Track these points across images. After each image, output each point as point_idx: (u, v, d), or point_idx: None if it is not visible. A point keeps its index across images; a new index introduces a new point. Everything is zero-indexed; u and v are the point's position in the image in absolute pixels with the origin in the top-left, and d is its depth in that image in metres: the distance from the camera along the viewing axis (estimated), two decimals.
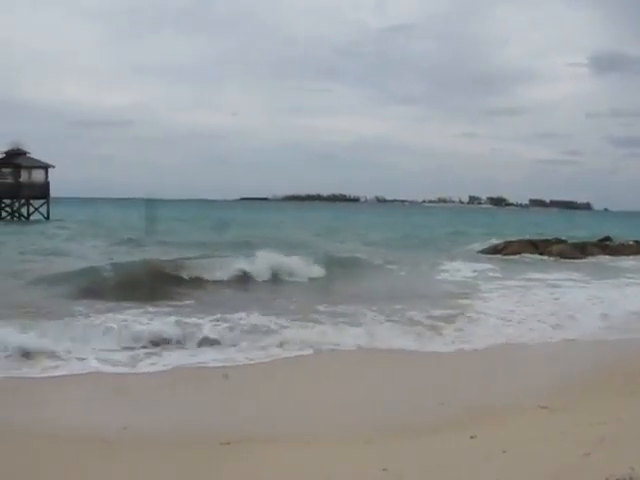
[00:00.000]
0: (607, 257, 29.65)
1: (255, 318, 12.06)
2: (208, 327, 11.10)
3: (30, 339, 9.69)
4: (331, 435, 6.52)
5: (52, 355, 9.36)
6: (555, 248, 30.25)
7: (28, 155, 49.58)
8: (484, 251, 31.05)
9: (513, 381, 9.03)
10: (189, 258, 20.03)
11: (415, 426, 6.73)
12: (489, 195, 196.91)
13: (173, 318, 11.79)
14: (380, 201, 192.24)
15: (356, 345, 10.72)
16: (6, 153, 48.65)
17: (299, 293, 16.67)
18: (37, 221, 47.87)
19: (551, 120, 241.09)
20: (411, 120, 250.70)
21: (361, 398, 8.04)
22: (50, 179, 50.25)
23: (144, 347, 10.07)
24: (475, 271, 22.62)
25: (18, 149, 49.03)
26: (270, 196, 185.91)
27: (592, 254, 29.98)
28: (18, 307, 12.69)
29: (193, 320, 11.73)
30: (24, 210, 49.73)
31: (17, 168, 48.46)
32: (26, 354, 9.26)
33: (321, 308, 13.76)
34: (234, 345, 10.41)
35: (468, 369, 9.71)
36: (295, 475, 5.49)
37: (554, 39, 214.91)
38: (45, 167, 49.89)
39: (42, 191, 49.84)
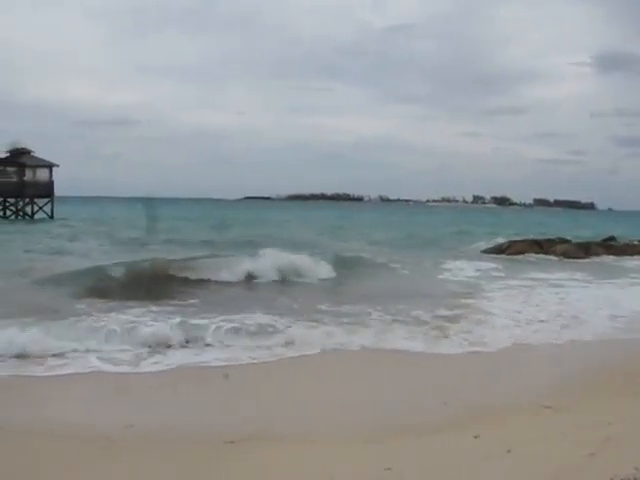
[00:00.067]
0: (611, 257, 29.52)
1: (260, 317, 12.05)
2: (213, 327, 11.04)
3: (34, 338, 9.68)
4: (335, 434, 6.52)
5: (56, 354, 9.37)
6: (559, 248, 30.20)
7: (32, 154, 49.74)
8: (488, 251, 30.99)
9: (517, 381, 9.01)
10: (195, 258, 19.99)
11: (419, 426, 6.72)
12: (493, 195, 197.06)
13: (178, 317, 11.78)
14: (384, 200, 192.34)
15: (361, 345, 10.69)
16: (10, 152, 48.77)
17: (305, 292, 16.63)
18: (41, 220, 47.96)
19: (554, 120, 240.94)
20: (414, 119, 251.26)
21: (365, 398, 8.03)
22: (54, 178, 50.47)
23: (148, 346, 10.04)
24: (480, 270, 22.60)
25: (22, 148, 49.16)
26: (274, 195, 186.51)
27: (596, 254, 29.88)
28: (23, 306, 12.67)
29: (198, 320, 11.73)
30: (28, 209, 49.87)
31: (21, 167, 48.62)
32: (30, 353, 9.26)
33: (326, 308, 13.75)
34: (239, 345, 10.38)
35: (471, 369, 9.69)
36: (299, 474, 5.49)
37: (557, 38, 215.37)
38: (49, 166, 50.04)
39: (46, 190, 49.99)
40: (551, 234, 35.17)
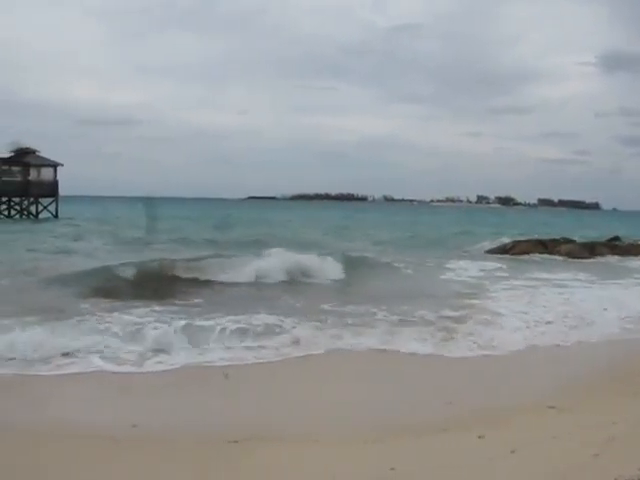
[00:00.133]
0: (616, 257, 29.43)
1: (266, 318, 12.02)
2: (218, 327, 11.03)
3: (39, 338, 9.69)
4: (339, 434, 6.52)
5: (60, 354, 9.35)
6: (564, 248, 30.14)
7: (37, 154, 49.83)
8: (493, 251, 30.92)
9: (521, 381, 9.00)
10: (200, 258, 19.94)
11: (423, 426, 6.72)
12: (497, 194, 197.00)
13: (184, 318, 11.81)
14: (388, 200, 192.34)
15: (367, 346, 10.67)
16: (15, 152, 48.85)
17: (311, 292, 16.62)
18: (46, 219, 48.03)
19: (559, 119, 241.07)
20: (417, 119, 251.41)
21: (369, 398, 8.03)
22: (58, 177, 50.54)
23: (153, 346, 10.03)
24: (484, 270, 22.56)
25: (27, 148, 49.26)
26: (277, 195, 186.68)
27: (601, 254, 29.80)
28: (28, 305, 12.68)
29: (203, 319, 11.74)
30: (33, 208, 49.95)
31: (26, 166, 48.71)
32: (34, 352, 9.25)
33: (333, 308, 13.74)
34: (244, 345, 10.36)
35: (476, 370, 9.68)
36: (303, 473, 5.50)
37: (562, 38, 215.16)
38: (54, 165, 50.14)
39: (51, 189, 50.09)
40: (555, 234, 35.07)
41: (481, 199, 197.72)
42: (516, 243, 31.47)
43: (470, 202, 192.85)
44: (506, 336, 11.50)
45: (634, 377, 8.84)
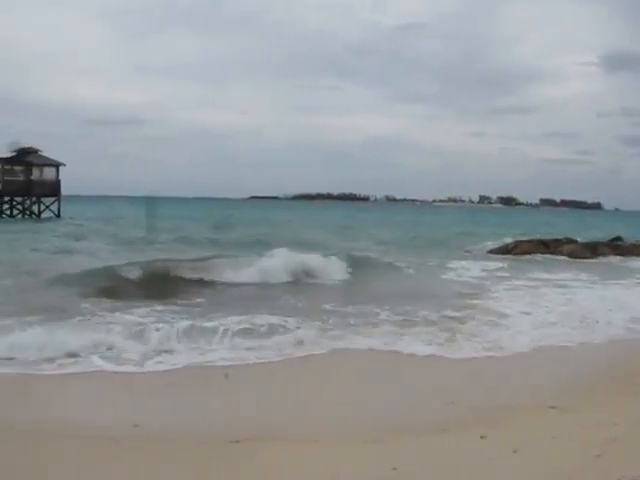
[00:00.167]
0: (618, 257, 29.45)
1: (270, 318, 12.04)
2: (221, 327, 11.04)
3: (41, 337, 9.70)
4: (340, 434, 6.52)
5: (62, 354, 9.34)
6: (566, 248, 30.14)
7: (39, 153, 49.87)
8: (495, 251, 30.93)
9: (522, 382, 8.99)
10: (204, 258, 19.97)
11: (425, 426, 6.72)
12: (499, 195, 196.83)
13: (186, 318, 11.85)
14: (390, 200, 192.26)
15: (370, 346, 10.67)
16: (17, 151, 48.87)
17: (315, 293, 16.65)
18: (48, 219, 48.06)
19: (561, 119, 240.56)
20: (421, 119, 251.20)
21: (371, 398, 8.02)
22: (61, 177, 50.60)
23: (155, 346, 10.03)
24: (487, 271, 22.61)
25: (29, 147, 49.30)
26: (280, 195, 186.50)
27: (603, 254, 29.79)
28: (30, 305, 12.72)
29: (206, 320, 11.76)
30: (35, 208, 49.97)
31: (28, 166, 48.74)
32: (36, 352, 9.25)
33: (336, 308, 13.75)
34: (246, 345, 10.34)
35: (478, 370, 9.67)
36: (304, 473, 5.49)
37: (564, 38, 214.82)
38: (56, 165, 50.19)
39: (53, 189, 50.14)
40: (557, 234, 35.06)
41: (483, 199, 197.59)
42: (518, 243, 31.49)
43: (472, 202, 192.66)
44: (508, 337, 11.48)
45: (635, 377, 8.82)
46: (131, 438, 6.34)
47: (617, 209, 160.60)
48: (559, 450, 5.60)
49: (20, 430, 6.46)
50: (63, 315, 11.89)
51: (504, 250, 30.70)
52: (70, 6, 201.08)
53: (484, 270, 22.72)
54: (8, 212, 49.38)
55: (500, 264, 24.70)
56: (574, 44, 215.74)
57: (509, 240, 32.95)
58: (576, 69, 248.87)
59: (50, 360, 9.11)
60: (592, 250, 30.09)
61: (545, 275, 21.43)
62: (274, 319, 11.96)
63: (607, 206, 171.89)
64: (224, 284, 17.32)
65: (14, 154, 48.75)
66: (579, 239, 33.04)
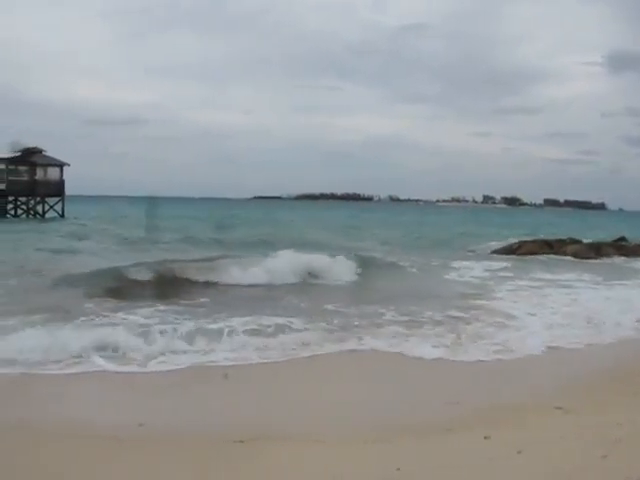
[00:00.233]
0: (622, 258, 29.37)
1: (274, 318, 12.05)
2: (226, 328, 11.03)
3: (44, 337, 9.72)
4: (344, 434, 6.51)
5: (66, 353, 9.34)
6: (570, 248, 30.10)
7: (44, 153, 49.97)
8: (499, 251, 30.92)
9: (527, 382, 8.98)
10: (209, 259, 19.97)
11: (429, 426, 6.70)
12: (503, 195, 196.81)
13: (190, 318, 11.89)
14: (394, 200, 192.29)
15: (375, 347, 10.65)
16: (22, 151, 48.97)
17: (320, 293, 16.65)
18: (52, 219, 48.13)
19: (565, 119, 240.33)
20: (424, 119, 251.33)
21: (375, 398, 8.01)
22: (65, 177, 50.67)
23: (160, 346, 10.01)
24: (491, 271, 22.60)
25: (34, 147, 49.39)
26: (283, 195, 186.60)
27: (607, 255, 29.71)
28: (34, 305, 12.72)
29: (210, 320, 11.79)
30: (39, 208, 50.07)
31: (33, 166, 48.84)
32: (39, 352, 9.24)
33: (340, 309, 13.75)
34: (251, 345, 10.36)
35: (482, 370, 9.65)
36: (307, 473, 5.48)
37: (568, 38, 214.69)
38: (60, 165, 50.27)
39: (57, 189, 50.24)
40: (561, 234, 35.04)
41: (487, 199, 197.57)
42: (522, 243, 31.49)
43: (476, 202, 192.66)
44: (514, 338, 11.43)
45: None
46: (135, 438, 6.34)
47: (621, 209, 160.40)
48: (564, 451, 5.59)
49: (23, 430, 6.45)
50: (67, 315, 11.88)
51: (508, 250, 30.68)
52: (71, 6, 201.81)
53: (490, 270, 22.73)
54: (12, 212, 49.47)
55: (504, 264, 24.70)
56: (578, 44, 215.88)
57: (513, 240, 32.93)
58: (580, 69, 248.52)
59: (53, 360, 9.10)
60: (596, 250, 30.03)
61: (549, 275, 21.39)
62: (279, 320, 11.96)
63: (611, 206, 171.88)
64: (230, 285, 17.26)
65: (18, 154, 48.84)
66: (583, 239, 33.00)
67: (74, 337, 9.93)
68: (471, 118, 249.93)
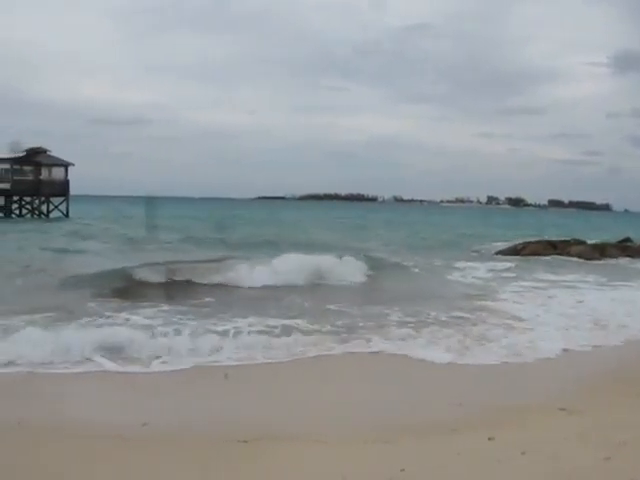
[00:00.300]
0: (627, 259, 29.31)
1: (279, 320, 12.05)
2: (232, 329, 11.01)
3: (48, 337, 9.73)
4: (349, 435, 6.51)
5: (69, 353, 9.35)
6: (574, 249, 30.05)
7: (48, 153, 50.09)
8: (503, 251, 30.89)
9: (531, 383, 8.97)
10: (214, 260, 19.98)
11: (433, 427, 6.70)
12: (507, 195, 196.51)
13: (195, 318, 11.91)
14: (398, 201, 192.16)
15: (381, 348, 10.62)
16: (27, 151, 49.11)
17: (327, 294, 16.62)
18: (57, 219, 48.26)
19: (570, 120, 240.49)
20: (428, 119, 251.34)
21: (379, 399, 8.00)
22: (69, 177, 50.78)
23: (164, 346, 10.00)
24: (496, 272, 22.59)
25: (39, 147, 49.53)
26: (287, 195, 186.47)
27: (612, 256, 29.66)
28: (38, 304, 12.75)
29: (215, 320, 11.81)
30: (44, 208, 50.20)
31: (37, 166, 48.97)
32: (43, 352, 9.25)
33: (346, 309, 13.76)
34: (254, 345, 10.32)
35: (486, 372, 9.63)
36: (312, 474, 5.49)
37: (573, 38, 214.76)
38: (65, 165, 50.40)
39: (62, 189, 50.38)
40: (566, 235, 35.02)
41: (491, 200, 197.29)
42: (526, 244, 31.45)
43: (480, 203, 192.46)
44: (521, 340, 11.36)
45: None
46: (139, 437, 6.34)
47: (626, 210, 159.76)
48: (568, 452, 5.59)
49: (26, 430, 6.46)
50: (71, 315, 11.89)
51: (512, 251, 30.65)
52: (76, 5, 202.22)
53: (492, 271, 22.76)
54: (17, 212, 49.64)
55: (508, 265, 24.69)
56: (583, 44, 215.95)
57: (517, 241, 32.90)
58: (585, 69, 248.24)
59: (57, 360, 9.11)
60: (600, 251, 29.98)
61: (553, 276, 21.37)
62: (285, 321, 11.97)
63: (616, 207, 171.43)
64: (235, 286, 17.25)
65: (23, 154, 48.98)
66: (587, 240, 32.95)
67: (78, 337, 9.92)
68: (475, 118, 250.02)
